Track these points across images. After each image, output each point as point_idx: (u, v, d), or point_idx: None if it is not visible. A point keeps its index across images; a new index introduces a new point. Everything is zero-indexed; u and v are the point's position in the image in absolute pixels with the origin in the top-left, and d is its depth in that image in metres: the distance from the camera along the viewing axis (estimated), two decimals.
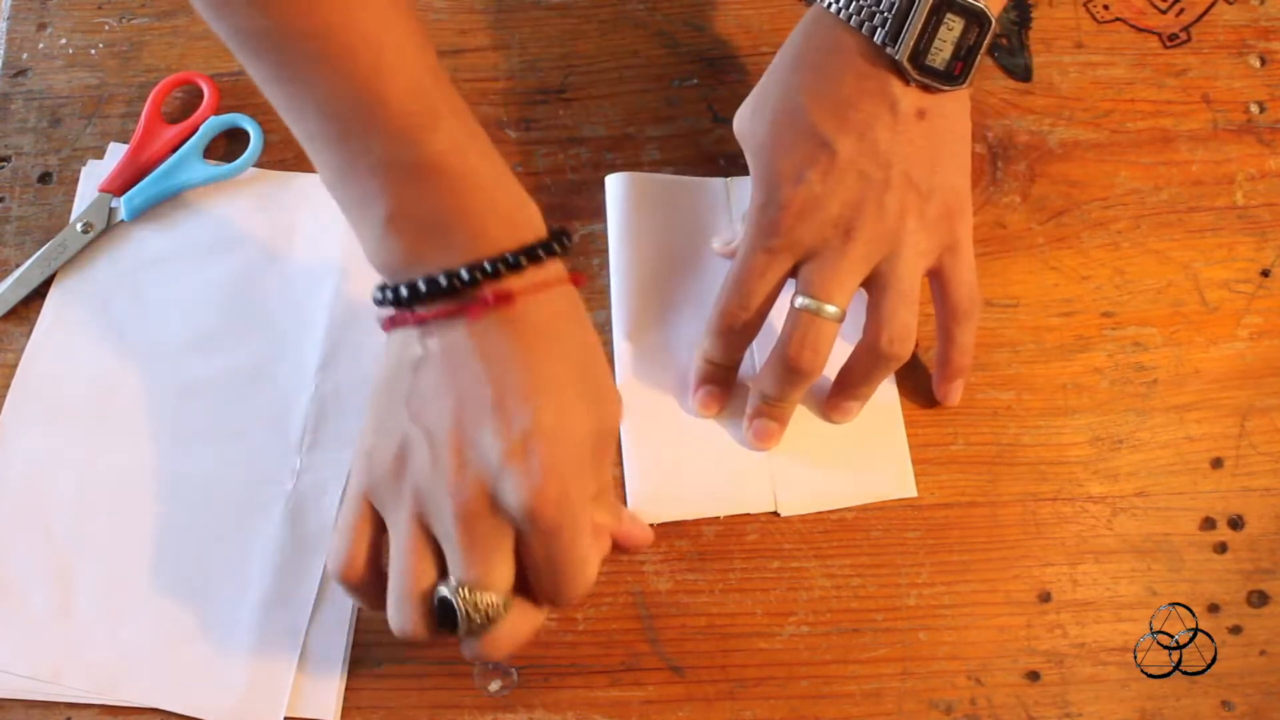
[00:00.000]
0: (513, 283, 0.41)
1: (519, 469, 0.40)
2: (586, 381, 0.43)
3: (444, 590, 0.42)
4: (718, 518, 0.51)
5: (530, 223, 0.43)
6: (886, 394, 0.53)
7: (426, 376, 0.42)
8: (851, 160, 0.48)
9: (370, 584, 0.44)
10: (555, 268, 0.43)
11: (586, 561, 0.42)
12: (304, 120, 0.43)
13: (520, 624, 0.43)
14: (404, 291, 0.42)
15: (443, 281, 0.41)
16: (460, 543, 0.41)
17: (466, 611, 0.41)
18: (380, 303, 0.43)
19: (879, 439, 0.52)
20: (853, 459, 0.52)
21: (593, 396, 0.43)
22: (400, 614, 0.42)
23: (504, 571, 0.41)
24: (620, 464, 0.52)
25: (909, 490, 0.51)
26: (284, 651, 0.49)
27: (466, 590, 0.41)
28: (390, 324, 0.44)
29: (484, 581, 0.41)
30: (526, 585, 0.43)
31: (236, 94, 0.60)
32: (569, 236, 0.44)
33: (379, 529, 0.43)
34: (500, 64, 0.60)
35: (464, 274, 0.41)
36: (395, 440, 0.42)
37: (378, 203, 0.42)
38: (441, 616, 0.42)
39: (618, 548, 0.47)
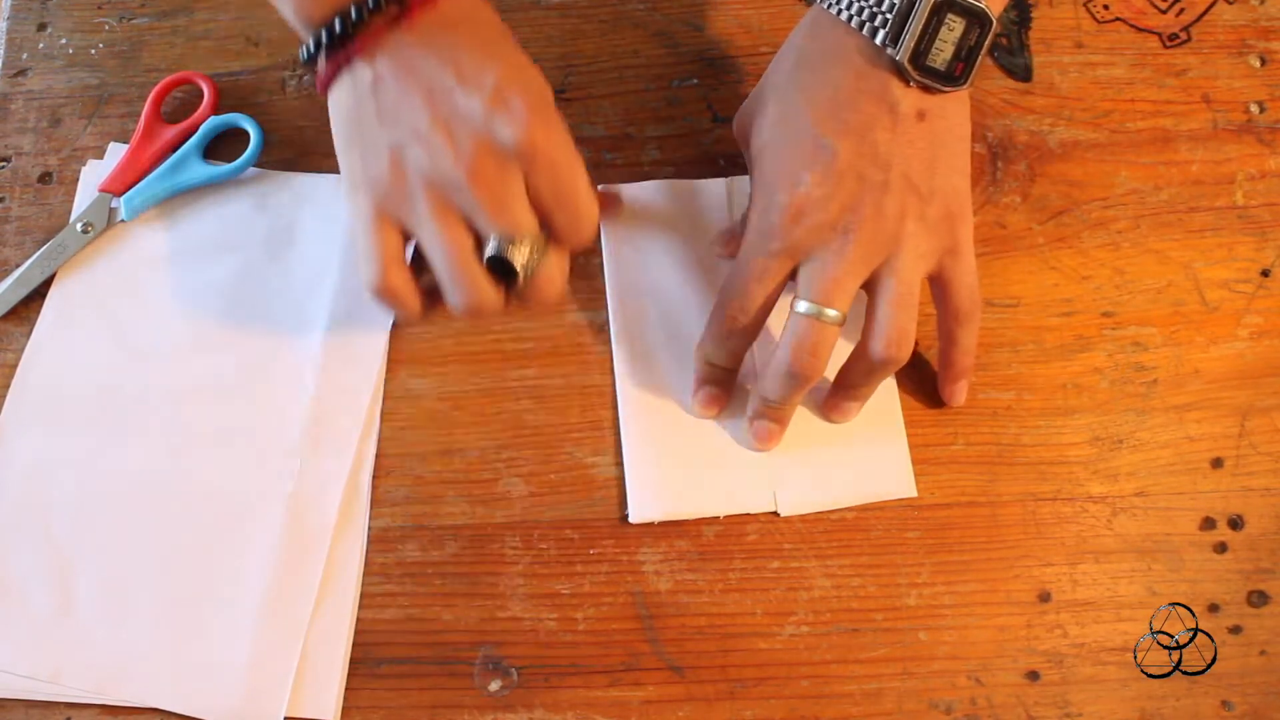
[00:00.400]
0: None
1: (503, 111, 0.44)
2: (520, 53, 0.47)
3: (490, 252, 0.46)
4: (718, 518, 0.51)
5: None
6: (886, 394, 0.53)
7: (387, 91, 0.46)
8: (851, 163, 0.48)
9: (409, 288, 0.47)
10: None
11: (590, 194, 0.46)
12: None
13: (560, 263, 0.48)
14: (338, 27, 0.46)
15: (371, 2, 0.45)
16: (483, 201, 0.45)
17: (515, 257, 0.46)
18: (314, 52, 0.47)
19: (879, 439, 0.52)
20: (853, 459, 0.52)
21: (530, 64, 0.47)
22: (462, 284, 0.46)
23: (529, 214, 0.46)
24: (620, 465, 0.52)
25: (909, 490, 0.51)
26: (284, 651, 0.49)
27: (507, 242, 0.45)
28: (330, 74, 0.47)
29: (517, 225, 0.45)
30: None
31: (236, 94, 0.60)
32: None
33: (401, 237, 0.47)
34: None
35: None
36: (384, 154, 0.46)
37: None
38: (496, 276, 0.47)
39: (603, 207, 0.52)
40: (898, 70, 0.48)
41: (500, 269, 0.46)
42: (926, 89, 0.48)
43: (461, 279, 0.46)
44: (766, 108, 0.50)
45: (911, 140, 0.48)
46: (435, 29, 0.46)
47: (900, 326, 0.48)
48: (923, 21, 0.47)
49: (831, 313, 0.48)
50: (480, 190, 0.45)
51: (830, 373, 0.51)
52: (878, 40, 0.47)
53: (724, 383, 0.52)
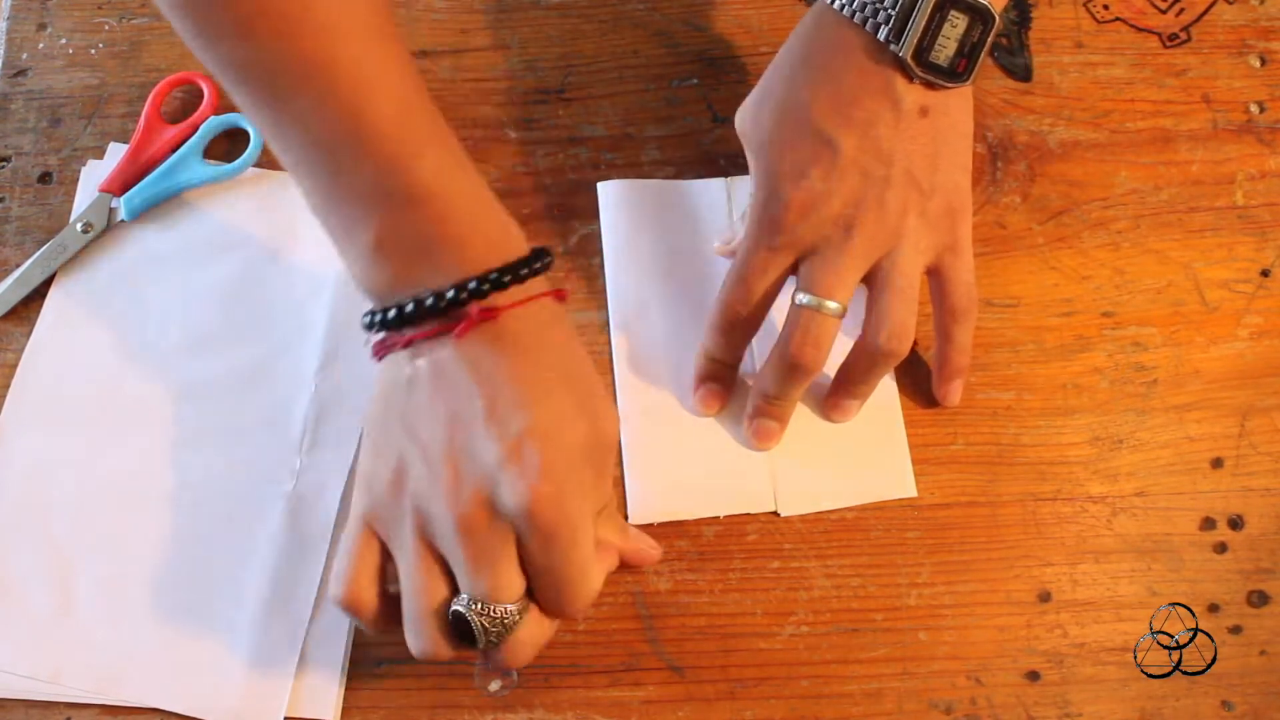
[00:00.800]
0: (497, 299, 0.42)
1: (514, 471, 0.40)
2: (576, 391, 0.43)
3: (458, 607, 0.42)
4: (718, 517, 0.51)
5: (513, 242, 0.43)
6: (886, 393, 0.53)
7: (418, 395, 0.42)
8: (854, 158, 0.48)
9: (373, 607, 0.44)
10: (538, 284, 0.43)
11: (588, 570, 0.42)
12: (289, 149, 0.43)
13: (537, 631, 0.43)
14: (392, 314, 0.42)
15: (429, 302, 0.42)
16: (465, 556, 0.41)
17: (482, 625, 0.41)
18: (369, 327, 0.44)
19: (879, 439, 0.52)
20: (852, 459, 0.52)
21: (583, 405, 0.43)
22: (419, 636, 0.43)
23: (512, 580, 0.42)
24: (620, 464, 0.52)
25: (909, 490, 0.51)
26: (284, 651, 0.49)
27: (479, 604, 0.41)
28: (380, 349, 0.44)
29: (494, 593, 0.41)
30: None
31: None
32: (549, 254, 0.44)
33: (382, 553, 0.44)
34: (500, 64, 0.60)
35: (450, 294, 0.41)
36: (392, 460, 0.43)
37: (364, 229, 0.42)
38: (459, 631, 0.42)
39: (625, 565, 0.48)
40: (901, 67, 0.48)
41: (465, 625, 0.42)
42: (929, 85, 0.48)
43: (419, 629, 0.42)
44: (769, 103, 0.50)
45: (914, 136, 0.48)
46: (487, 346, 0.42)
47: (900, 319, 0.48)
48: (925, 18, 0.47)
49: (832, 305, 0.48)
50: (466, 545, 0.41)
51: (830, 372, 0.51)
52: (881, 36, 0.47)
53: (725, 379, 0.52)
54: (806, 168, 0.48)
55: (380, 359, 0.44)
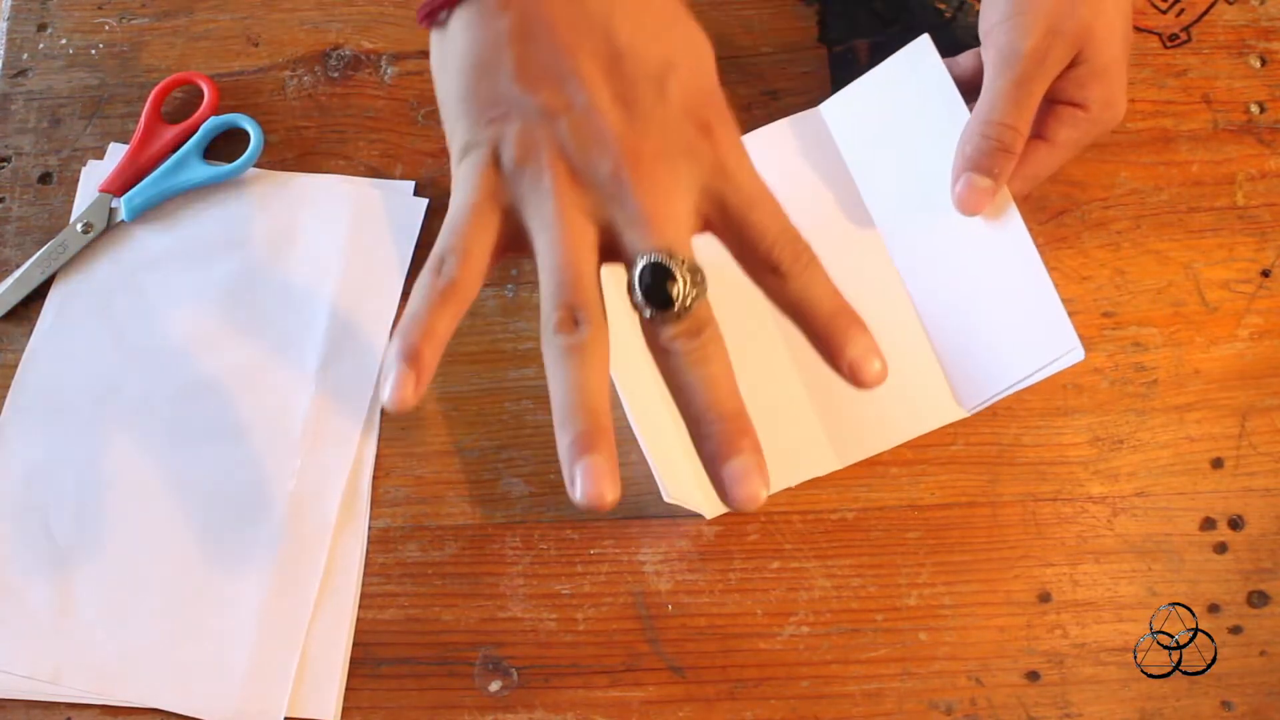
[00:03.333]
0: None
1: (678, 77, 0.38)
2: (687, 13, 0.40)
3: (650, 260, 0.36)
4: (717, 517, 0.51)
5: None
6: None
7: (535, 41, 0.38)
8: None
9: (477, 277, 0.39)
10: None
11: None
12: None
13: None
14: None
15: None
16: (640, 200, 0.37)
17: (684, 279, 0.36)
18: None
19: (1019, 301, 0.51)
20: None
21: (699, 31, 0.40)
22: (566, 287, 0.37)
23: (693, 231, 0.39)
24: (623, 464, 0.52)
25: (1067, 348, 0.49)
26: (284, 651, 0.49)
27: (670, 257, 0.36)
28: (426, 13, 0.40)
29: (677, 242, 0.37)
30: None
31: (236, 94, 0.60)
32: None
33: (502, 227, 0.39)
34: None
35: None
36: (513, 122, 0.38)
37: None
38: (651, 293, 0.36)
39: None
40: None
41: (655, 294, 0.35)
42: None
43: (570, 275, 0.36)
44: None
45: None
46: None
47: None
48: None
49: None
50: (641, 187, 0.36)
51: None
52: None
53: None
54: None
55: (433, 19, 0.40)
